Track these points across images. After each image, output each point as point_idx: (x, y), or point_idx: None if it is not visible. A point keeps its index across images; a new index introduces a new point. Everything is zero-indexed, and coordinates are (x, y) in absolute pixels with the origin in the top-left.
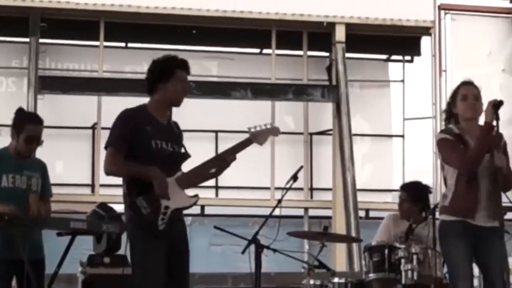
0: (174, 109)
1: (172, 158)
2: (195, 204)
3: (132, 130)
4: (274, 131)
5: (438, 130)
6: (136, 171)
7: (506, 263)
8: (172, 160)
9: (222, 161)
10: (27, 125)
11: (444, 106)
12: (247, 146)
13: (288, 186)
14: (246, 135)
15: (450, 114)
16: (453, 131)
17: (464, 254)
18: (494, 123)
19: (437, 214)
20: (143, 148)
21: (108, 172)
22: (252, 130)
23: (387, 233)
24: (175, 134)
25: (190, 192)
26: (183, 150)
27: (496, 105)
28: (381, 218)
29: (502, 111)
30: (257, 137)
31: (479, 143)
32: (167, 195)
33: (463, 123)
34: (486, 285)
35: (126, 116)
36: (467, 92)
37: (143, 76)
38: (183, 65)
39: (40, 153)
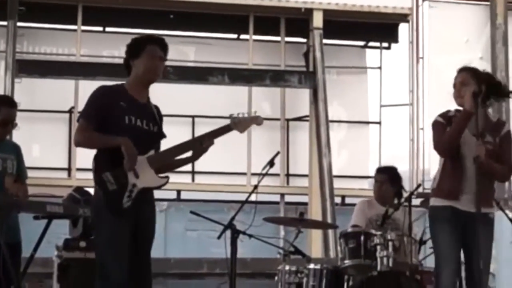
0: (151, 94)
1: (145, 136)
2: (164, 185)
3: (106, 104)
4: (257, 120)
5: (415, 117)
6: (104, 141)
7: (490, 250)
8: (145, 138)
9: (198, 145)
10: (1, 108)
11: (421, 93)
12: (226, 133)
13: (264, 172)
14: (226, 121)
15: None
16: (447, 114)
17: (450, 241)
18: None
19: (413, 201)
20: (116, 122)
21: (76, 143)
22: (234, 116)
23: (363, 217)
24: (152, 113)
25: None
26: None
27: (476, 94)
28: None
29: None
30: (237, 124)
31: (453, 127)
32: (134, 164)
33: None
34: (467, 271)
35: (101, 91)
36: (455, 80)
37: (120, 61)
38: (154, 40)
39: (17, 136)
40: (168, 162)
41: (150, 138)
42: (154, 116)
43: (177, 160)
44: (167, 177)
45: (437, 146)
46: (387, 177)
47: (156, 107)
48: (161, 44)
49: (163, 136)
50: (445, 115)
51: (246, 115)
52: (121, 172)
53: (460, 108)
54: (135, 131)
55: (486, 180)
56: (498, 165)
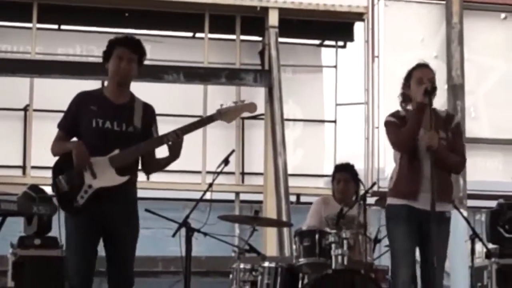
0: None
1: (114, 137)
2: (124, 183)
3: (77, 111)
4: (249, 107)
5: (371, 116)
6: (60, 148)
7: (445, 250)
8: (113, 139)
9: (164, 141)
10: None
11: (376, 91)
12: (207, 124)
13: (219, 170)
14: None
15: (405, 96)
16: (399, 114)
17: (406, 240)
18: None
19: (368, 199)
20: (85, 126)
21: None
22: (221, 108)
23: (318, 218)
24: (130, 113)
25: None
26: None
27: (429, 92)
28: (312, 203)
29: (434, 98)
30: (224, 115)
31: (409, 122)
32: (84, 166)
33: (414, 105)
34: (423, 269)
35: (75, 98)
36: (422, 75)
37: (75, 59)
38: (122, 42)
39: None
40: (131, 160)
41: (121, 139)
42: (131, 116)
43: (160, 159)
44: (128, 175)
45: (397, 144)
46: (351, 175)
47: (146, 106)
48: (131, 45)
49: (140, 135)
50: (396, 115)
51: (232, 104)
52: (75, 174)
53: (409, 108)
54: (102, 133)
55: (443, 175)
56: (452, 155)
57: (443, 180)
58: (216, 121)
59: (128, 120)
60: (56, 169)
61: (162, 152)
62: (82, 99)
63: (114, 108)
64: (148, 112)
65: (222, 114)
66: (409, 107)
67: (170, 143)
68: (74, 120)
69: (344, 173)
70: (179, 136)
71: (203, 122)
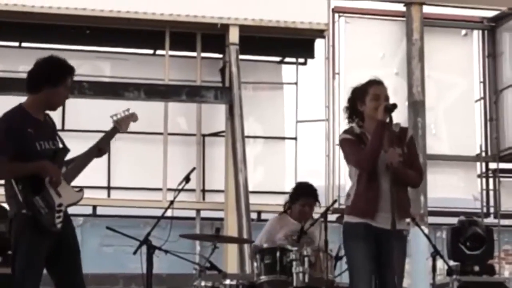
0: (68, 110)
1: (55, 155)
2: (81, 199)
3: (15, 135)
4: (132, 116)
5: (331, 133)
6: (22, 170)
7: (402, 267)
8: (56, 158)
9: (97, 151)
10: None
11: (337, 108)
12: (115, 134)
13: (180, 187)
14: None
15: (354, 112)
16: (354, 131)
17: (364, 258)
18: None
19: (328, 217)
20: (28, 151)
21: None
22: (114, 118)
23: (270, 238)
24: (51, 129)
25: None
26: (60, 144)
27: (389, 108)
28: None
29: (395, 114)
30: (120, 123)
31: (371, 141)
32: (60, 180)
33: (369, 122)
34: (380, 287)
35: (6, 121)
36: (379, 92)
37: None
38: (73, 73)
39: None
40: (78, 174)
41: (59, 155)
42: (53, 132)
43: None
44: (81, 190)
45: (359, 163)
46: (315, 200)
47: (48, 116)
48: (73, 75)
49: (67, 150)
50: (352, 132)
51: (123, 114)
52: (46, 194)
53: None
54: (46, 154)
55: (401, 192)
56: (410, 170)
57: (400, 197)
58: (118, 132)
59: (54, 136)
60: (27, 188)
61: None
62: (14, 121)
63: (42, 127)
64: (53, 123)
65: (119, 123)
66: (353, 125)
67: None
68: (13, 143)
69: (311, 199)
70: (109, 145)
71: (112, 133)
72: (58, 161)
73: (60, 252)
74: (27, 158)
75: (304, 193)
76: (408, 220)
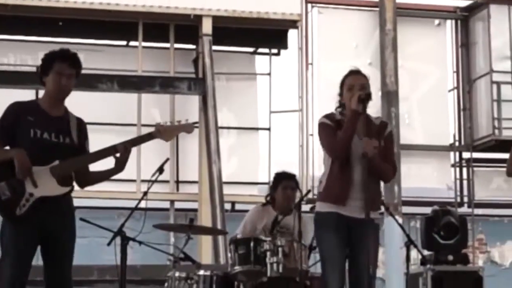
0: None
1: (52, 148)
2: (65, 194)
3: (13, 120)
4: (186, 127)
5: (305, 123)
6: (2, 154)
7: (376, 256)
8: (52, 150)
9: (111, 152)
10: None
11: (310, 99)
12: (147, 141)
13: (154, 178)
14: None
15: (341, 104)
16: (334, 117)
17: (335, 247)
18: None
19: (303, 207)
20: (22, 136)
21: None
22: (160, 124)
23: (252, 227)
24: (66, 126)
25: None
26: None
27: (363, 98)
28: (247, 211)
29: (368, 105)
30: (162, 132)
31: (344, 129)
32: (26, 175)
33: (348, 111)
34: (351, 277)
35: (10, 108)
36: (354, 82)
37: (9, 68)
38: (63, 58)
39: None
40: (73, 170)
41: (58, 150)
42: (68, 129)
43: (102, 172)
44: (70, 185)
45: (331, 148)
46: (295, 183)
47: (79, 120)
48: (70, 60)
49: (76, 147)
50: (332, 118)
51: (173, 123)
52: (17, 182)
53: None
54: (41, 143)
55: (373, 183)
56: (385, 163)
57: (372, 188)
58: (155, 138)
59: (65, 132)
60: None
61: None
62: (18, 108)
63: (50, 120)
64: (82, 126)
65: (161, 132)
66: (336, 111)
67: (118, 155)
68: (10, 129)
69: (291, 182)
70: (127, 148)
71: (143, 139)
72: (55, 155)
73: (48, 245)
74: (21, 143)
75: (284, 177)
76: (380, 210)
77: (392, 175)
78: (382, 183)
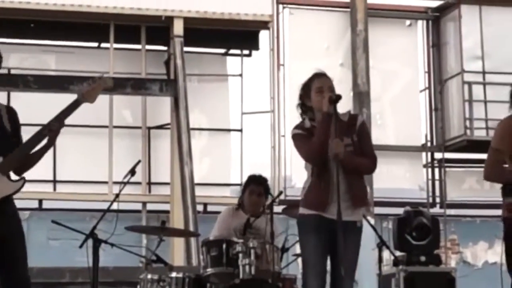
0: (14, 104)
1: None
2: (20, 188)
3: None
4: (104, 81)
5: (277, 124)
6: None
7: (355, 259)
8: None
9: (48, 131)
10: None
11: (282, 100)
12: (75, 109)
13: (126, 180)
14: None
15: (305, 108)
16: (304, 126)
17: (317, 250)
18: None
19: (275, 208)
20: None
21: None
22: (80, 88)
23: (226, 228)
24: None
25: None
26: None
27: (334, 100)
28: (219, 212)
29: (340, 105)
30: (86, 95)
31: (317, 134)
32: None
33: (318, 115)
34: (333, 279)
35: None
36: (322, 84)
37: None
38: None
39: None
40: (17, 163)
41: None
42: (0, 120)
43: (33, 153)
44: (22, 178)
45: (309, 156)
46: (264, 188)
47: (9, 109)
48: None
49: (9, 134)
50: (302, 127)
51: (92, 84)
52: None
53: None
54: None
55: (355, 181)
56: (361, 158)
57: (355, 185)
58: (82, 103)
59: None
60: None
61: None
62: None
63: None
64: (13, 115)
65: (85, 95)
66: (305, 119)
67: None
68: None
69: (259, 186)
70: (61, 123)
71: (72, 107)
72: None
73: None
74: None
75: (250, 181)
76: (364, 209)
77: (373, 166)
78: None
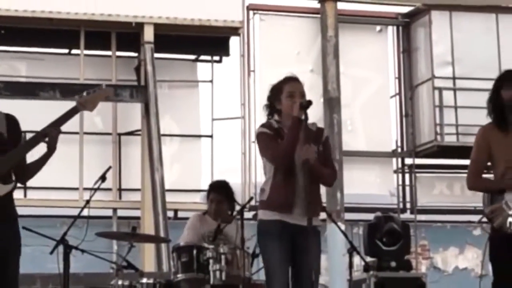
0: None
1: None
2: (12, 190)
3: None
4: (105, 91)
5: (247, 130)
6: None
7: (318, 263)
8: None
9: (43, 137)
10: None
11: (252, 106)
12: (72, 116)
13: (96, 186)
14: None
15: (273, 109)
16: (272, 125)
17: (279, 256)
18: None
19: (245, 214)
20: None
21: None
22: (80, 96)
23: (196, 234)
24: None
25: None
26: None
27: (304, 105)
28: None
29: (310, 111)
30: (85, 104)
31: (287, 137)
32: None
33: (286, 119)
34: (296, 284)
35: None
36: (293, 89)
37: None
38: None
39: None
40: (11, 166)
41: None
42: None
43: (35, 161)
44: (13, 181)
45: (275, 157)
46: (225, 195)
47: (8, 116)
48: None
49: (6, 140)
50: (270, 126)
51: (92, 93)
52: None
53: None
54: None
55: (314, 189)
56: (326, 168)
57: (314, 193)
58: (80, 111)
59: None
60: None
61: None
62: None
63: None
64: (12, 121)
65: (84, 103)
66: (272, 119)
67: (47, 138)
68: None
69: (218, 194)
70: (56, 129)
71: (69, 115)
72: None
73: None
74: None
75: (211, 189)
76: (321, 216)
77: (333, 179)
78: (323, 189)
